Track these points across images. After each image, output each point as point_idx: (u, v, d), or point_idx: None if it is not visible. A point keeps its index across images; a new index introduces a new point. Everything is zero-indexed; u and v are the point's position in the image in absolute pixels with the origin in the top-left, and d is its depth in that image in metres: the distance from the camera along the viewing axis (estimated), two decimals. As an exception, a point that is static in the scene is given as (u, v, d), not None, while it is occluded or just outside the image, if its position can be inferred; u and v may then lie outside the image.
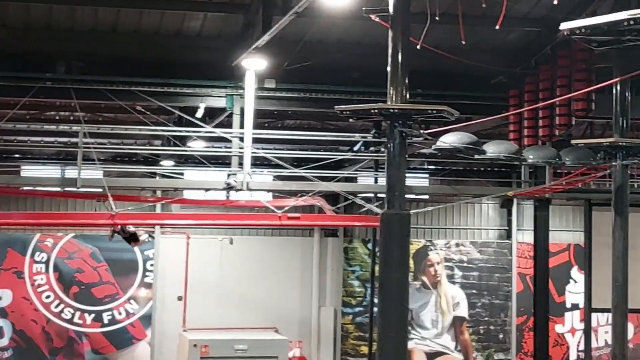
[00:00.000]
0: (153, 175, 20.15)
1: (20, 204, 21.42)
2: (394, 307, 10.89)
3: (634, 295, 13.45)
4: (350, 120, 12.66)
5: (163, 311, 22.28)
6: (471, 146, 12.69)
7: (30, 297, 21.56)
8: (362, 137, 19.09)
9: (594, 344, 20.99)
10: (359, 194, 20.14)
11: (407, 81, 11.45)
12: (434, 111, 11.19)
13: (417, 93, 16.75)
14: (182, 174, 20.48)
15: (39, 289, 21.57)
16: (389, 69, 11.47)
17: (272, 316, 22.61)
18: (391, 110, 11.18)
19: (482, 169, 23.39)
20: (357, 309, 23.35)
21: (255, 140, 17.15)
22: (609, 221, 13.10)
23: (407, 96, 11.52)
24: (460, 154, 13.16)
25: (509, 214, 24.00)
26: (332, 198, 21.24)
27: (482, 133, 16.49)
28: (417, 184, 23.22)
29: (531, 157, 13.98)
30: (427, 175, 24.01)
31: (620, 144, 12.36)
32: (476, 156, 13.16)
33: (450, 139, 12.77)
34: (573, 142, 13.24)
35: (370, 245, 23.18)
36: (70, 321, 21.65)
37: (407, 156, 11.50)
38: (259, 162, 19.90)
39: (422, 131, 12.02)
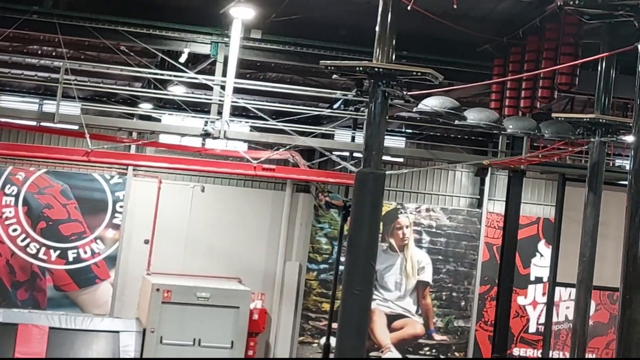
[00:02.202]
0: (131, 116, 20.06)
1: (-5, 136, 21.27)
2: (361, 264, 11.00)
3: (599, 273, 13.66)
4: (334, 76, 12.64)
5: (128, 253, 22.23)
6: (452, 111, 12.77)
7: (-3, 229, 21.47)
8: (343, 94, 19.06)
9: (554, 319, 21.19)
10: (335, 151, 20.18)
11: (394, 42, 11.47)
12: (419, 73, 11.24)
13: (402, 55, 16.75)
14: (159, 118, 20.41)
15: (6, 222, 21.43)
16: (377, 28, 11.48)
17: (237, 267, 22.65)
18: (376, 69, 11.23)
19: (458, 136, 23.43)
20: (322, 266, 23.43)
21: (236, 90, 17.11)
22: (581, 197, 13.28)
23: (393, 57, 11.56)
24: (441, 119, 13.24)
25: (482, 183, 24.09)
26: (307, 154, 21.26)
27: (463, 101, 16.51)
28: (393, 145, 23.23)
29: (511, 126, 14.09)
30: (403, 139, 24.03)
31: (600, 120, 12.51)
32: (456, 122, 13.26)
33: (432, 103, 12.85)
34: (554, 115, 13.36)
35: (341, 204, 23.21)
36: (35, 256, 21.56)
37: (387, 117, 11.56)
38: (237, 113, 19.86)
39: (405, 92, 12.05)
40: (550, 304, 20.15)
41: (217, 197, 22.91)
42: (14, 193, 21.51)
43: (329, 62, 11.67)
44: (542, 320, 22.97)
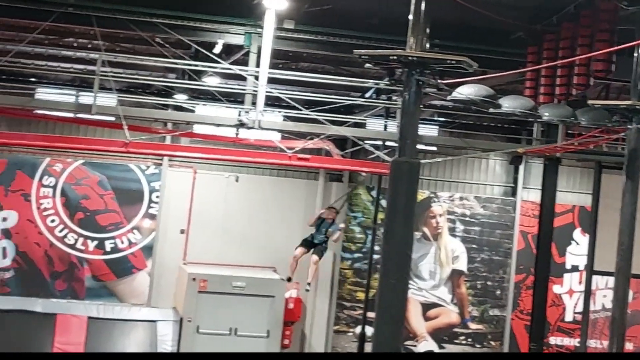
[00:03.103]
0: (165, 107, 20.19)
1: (32, 129, 21.44)
2: (397, 253, 11.00)
3: (637, 261, 13.56)
4: (367, 65, 12.61)
5: (165, 243, 22.41)
6: (487, 99, 12.70)
7: (35, 220, 21.62)
8: (375, 83, 19.07)
9: (590, 307, 21.08)
10: (368, 140, 20.20)
11: (427, 30, 11.46)
12: (453, 61, 11.19)
13: (435, 43, 16.68)
14: (194, 108, 20.54)
15: (45, 213, 21.66)
16: (410, 16, 11.45)
17: (272, 256, 22.73)
18: (410, 58, 11.19)
19: (492, 124, 23.34)
20: (356, 255, 23.47)
21: (269, 81, 17.18)
22: (618, 185, 13.17)
23: (427, 46, 11.54)
24: (476, 107, 13.18)
25: (516, 171, 24.01)
26: (340, 143, 21.29)
27: (496, 89, 16.44)
28: (426, 134, 23.19)
29: (547, 114, 14.00)
30: (436, 127, 23.98)
31: (637, 107, 12.39)
32: (491, 110, 13.19)
33: (466, 91, 12.78)
34: (590, 102, 13.26)
35: (374, 193, 23.24)
36: (72, 246, 21.77)
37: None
38: (270, 103, 19.93)
39: (439, 80, 12.02)
40: (587, 293, 20.06)
41: (251, 187, 23.01)
42: (51, 184, 21.73)
43: (362, 51, 11.65)
44: (579, 309, 22.90)
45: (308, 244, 19.75)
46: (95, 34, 17.22)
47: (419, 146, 20.53)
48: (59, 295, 21.48)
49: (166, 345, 20.22)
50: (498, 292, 23.98)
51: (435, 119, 23.84)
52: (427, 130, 23.45)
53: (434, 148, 23.05)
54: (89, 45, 19.69)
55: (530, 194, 23.76)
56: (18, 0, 16.69)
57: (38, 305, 20.44)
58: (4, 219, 21.56)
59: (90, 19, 16.51)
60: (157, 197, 22.21)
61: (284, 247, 22.77)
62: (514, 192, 24.08)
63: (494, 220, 23.99)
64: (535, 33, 16.97)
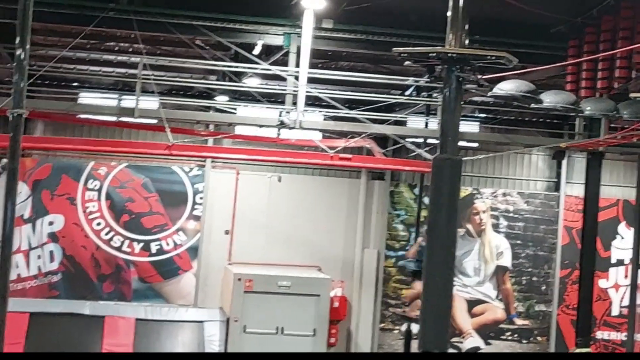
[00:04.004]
0: (207, 109, 20.33)
1: (76, 133, 21.70)
2: (441, 250, 11.01)
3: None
4: (406, 63, 12.61)
5: (210, 244, 22.55)
6: (528, 94, 12.69)
7: (82, 224, 21.85)
8: (415, 81, 19.07)
9: (637, 301, 20.90)
10: (408, 138, 20.20)
11: (466, 27, 11.45)
12: (493, 57, 11.18)
13: (474, 39, 16.65)
14: (235, 109, 20.67)
15: (90, 216, 21.90)
16: (449, 13, 11.45)
17: (316, 255, 22.80)
18: (449, 55, 11.20)
19: (533, 119, 23.21)
20: (400, 253, 23.46)
21: (309, 80, 17.24)
22: (662, 177, 13.09)
23: (466, 42, 11.54)
24: (516, 102, 13.17)
25: (559, 166, 23.87)
26: (381, 141, 21.32)
27: (537, 83, 16.38)
28: (467, 130, 23.13)
29: (589, 108, 13.95)
30: (477, 124, 23.91)
31: (680, 99, 12.34)
32: (532, 105, 13.17)
33: (507, 87, 12.80)
34: (632, 95, 13.19)
35: (416, 190, 23.22)
36: (119, 249, 21.98)
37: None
38: (311, 102, 20.01)
39: (479, 76, 12.02)
40: (633, 286, 19.90)
41: (294, 187, 23.09)
42: (96, 187, 21.95)
43: (401, 49, 11.67)
44: (625, 302, 22.70)
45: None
46: (137, 37, 17.41)
47: (461, 143, 20.58)
48: (106, 298, 21.68)
49: (214, 346, 20.34)
50: (543, 287, 23.85)
51: (476, 115, 23.77)
52: (469, 127, 23.39)
53: (476, 144, 23.02)
54: (130, 49, 19.89)
55: (573, 189, 23.60)
56: (60, 5, 16.93)
57: (86, 307, 20.62)
58: (51, 223, 21.81)
59: (131, 22, 16.70)
60: (201, 198, 22.35)
61: (327, 246, 22.88)
62: (557, 187, 23.93)
63: (537, 216, 23.87)
64: (575, 26, 16.88)
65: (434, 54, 11.15)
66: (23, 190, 21.20)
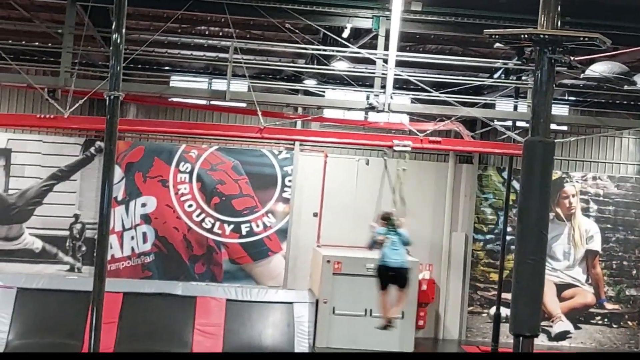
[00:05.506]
0: (296, 92, 20.49)
1: (168, 116, 22.10)
2: (533, 233, 10.97)
3: None
4: (496, 45, 12.56)
5: (299, 226, 22.79)
6: (622, 76, 12.54)
7: (174, 205, 22.26)
8: (504, 63, 18.94)
9: None
10: (498, 121, 20.07)
11: (559, 8, 11.35)
12: (586, 38, 11.07)
13: (565, 21, 16.46)
14: (323, 92, 20.79)
15: (182, 198, 22.30)
16: (541, -6, 11.37)
17: (404, 238, 22.82)
18: (542, 36, 11.12)
19: (624, 102, 22.84)
20: (488, 236, 23.40)
21: (397, 63, 17.23)
22: None
23: (559, 24, 11.44)
24: (609, 84, 13.02)
25: (650, 149, 23.53)
26: (469, 124, 21.23)
27: (628, 65, 16.12)
28: (557, 113, 22.86)
29: (683, 90, 13.73)
30: (566, 106, 23.63)
31: None
32: (626, 87, 13.01)
33: (600, 68, 12.68)
34: None
35: (505, 174, 23.08)
36: (210, 230, 22.35)
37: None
38: (399, 86, 20.02)
39: (571, 58, 11.93)
40: None
41: (382, 170, 23.09)
42: (188, 170, 22.34)
43: (492, 30, 11.61)
44: None
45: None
46: (227, 21, 17.60)
47: (550, 126, 20.36)
48: (198, 279, 22.10)
49: (303, 327, 20.54)
50: (634, 272, 23.58)
51: (566, 98, 23.49)
52: (558, 110, 23.14)
53: (565, 127, 22.76)
54: (220, 33, 20.13)
55: (666, 172, 23.25)
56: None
57: (179, 288, 20.98)
58: (143, 205, 22.28)
59: (222, 6, 16.85)
60: (290, 181, 22.58)
61: (415, 229, 22.81)
62: (649, 171, 23.59)
63: (628, 200, 23.57)
64: (670, 6, 16.55)
65: (526, 36, 11.08)
66: (117, 172, 21.58)
